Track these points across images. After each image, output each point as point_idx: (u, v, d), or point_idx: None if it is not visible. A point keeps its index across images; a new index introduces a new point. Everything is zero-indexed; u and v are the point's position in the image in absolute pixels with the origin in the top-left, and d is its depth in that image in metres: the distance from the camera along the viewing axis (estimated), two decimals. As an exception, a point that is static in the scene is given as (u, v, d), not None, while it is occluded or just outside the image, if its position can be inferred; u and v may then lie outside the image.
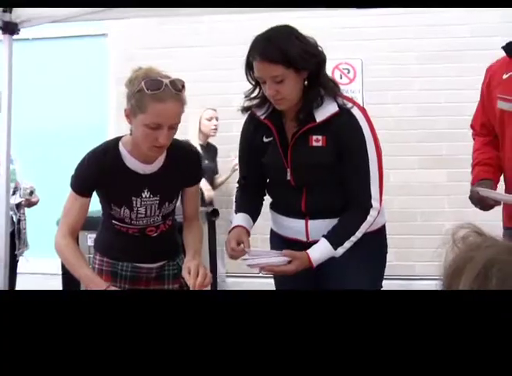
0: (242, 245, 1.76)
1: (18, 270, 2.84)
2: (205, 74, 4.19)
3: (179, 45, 4.30)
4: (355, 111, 1.73)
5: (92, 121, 4.54)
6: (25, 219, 2.72)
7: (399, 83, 4.11)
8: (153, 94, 1.56)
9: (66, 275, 2.34)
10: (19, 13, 2.42)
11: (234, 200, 1.96)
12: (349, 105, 1.73)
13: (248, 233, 1.84)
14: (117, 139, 1.77)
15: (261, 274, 3.74)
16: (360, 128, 1.71)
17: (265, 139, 1.82)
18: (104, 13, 2.40)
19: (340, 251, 1.72)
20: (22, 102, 4.21)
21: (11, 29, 2.45)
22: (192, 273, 1.65)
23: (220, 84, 4.15)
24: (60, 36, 4.48)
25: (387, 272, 1.91)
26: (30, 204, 2.74)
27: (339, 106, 1.72)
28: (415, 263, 4.01)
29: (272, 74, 1.65)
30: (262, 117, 1.81)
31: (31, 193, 2.73)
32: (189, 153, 1.86)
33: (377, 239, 1.85)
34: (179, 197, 1.87)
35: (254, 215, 1.92)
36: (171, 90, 1.58)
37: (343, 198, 1.77)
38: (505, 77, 1.89)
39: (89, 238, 2.71)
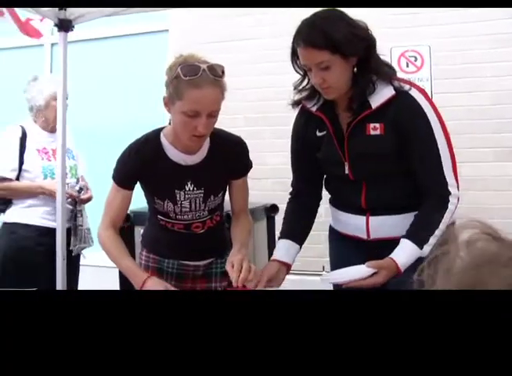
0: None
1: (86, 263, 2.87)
2: (267, 66, 4.11)
3: (240, 38, 4.24)
4: (414, 93, 1.59)
5: (152, 119, 4.57)
6: (82, 216, 2.74)
7: (471, 70, 3.85)
8: (190, 80, 1.50)
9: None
10: (73, 10, 2.43)
11: (284, 215, 1.85)
12: (406, 87, 1.60)
13: (288, 269, 1.76)
14: (159, 130, 1.73)
15: (324, 272, 3.65)
16: (422, 111, 1.57)
17: (319, 133, 1.72)
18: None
19: (427, 249, 1.55)
20: (85, 100, 4.30)
21: (66, 26, 2.47)
22: (236, 267, 1.57)
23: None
24: (122, 34, 4.54)
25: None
26: (81, 201, 2.76)
27: (395, 89, 1.59)
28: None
29: (317, 61, 1.55)
30: (314, 110, 1.71)
31: (80, 190, 2.74)
32: (235, 144, 1.78)
33: None
34: (226, 191, 1.81)
35: (302, 235, 1.81)
36: (208, 76, 1.51)
37: (406, 192, 1.65)
38: None
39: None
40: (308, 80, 1.67)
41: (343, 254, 1.80)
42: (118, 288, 2.61)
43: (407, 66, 3.92)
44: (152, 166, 1.69)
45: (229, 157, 1.73)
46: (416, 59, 4.00)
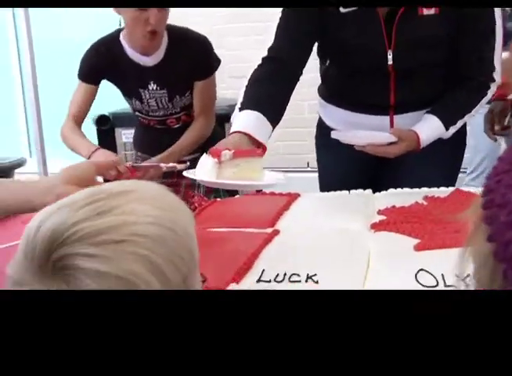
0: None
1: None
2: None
3: None
4: None
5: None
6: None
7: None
8: None
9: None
10: None
11: (244, 87, 1.33)
12: None
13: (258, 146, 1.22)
14: (118, 31, 1.70)
15: (308, 168, 3.68)
16: None
17: (343, 10, 1.34)
18: None
19: (451, 132, 1.41)
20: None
21: None
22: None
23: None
24: None
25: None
26: None
27: None
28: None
29: None
30: None
31: None
32: (196, 42, 1.69)
33: (459, 131, 1.48)
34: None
35: (277, 111, 1.33)
36: None
37: (439, 86, 1.45)
38: None
39: (123, 134, 2.73)
40: None
41: (342, 163, 1.58)
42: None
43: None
44: (113, 64, 1.68)
45: (190, 56, 1.67)
46: None
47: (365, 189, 1.43)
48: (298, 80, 1.39)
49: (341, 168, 1.60)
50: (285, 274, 0.91)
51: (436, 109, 1.41)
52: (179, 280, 0.49)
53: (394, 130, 1.41)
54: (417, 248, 1.00)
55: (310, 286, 0.87)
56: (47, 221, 0.47)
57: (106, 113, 2.78)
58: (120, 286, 0.45)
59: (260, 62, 1.36)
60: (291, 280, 0.90)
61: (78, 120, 1.73)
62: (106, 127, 2.75)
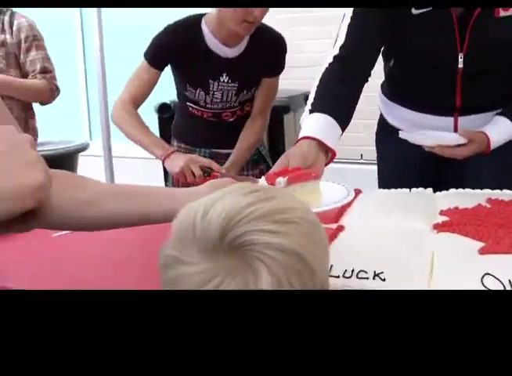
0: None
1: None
2: None
3: None
4: None
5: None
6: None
7: None
8: None
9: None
10: None
11: (317, 84, 1.30)
12: None
13: (327, 154, 1.19)
14: (200, 15, 1.66)
15: (362, 160, 3.67)
16: None
17: (415, 11, 1.32)
18: None
19: None
20: None
21: None
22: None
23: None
24: None
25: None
26: None
27: None
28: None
29: None
30: None
31: None
32: (276, 40, 1.72)
33: None
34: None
35: (347, 113, 1.28)
36: None
37: (505, 90, 1.44)
38: None
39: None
40: None
41: (404, 161, 1.59)
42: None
43: None
44: (188, 50, 1.63)
45: (268, 53, 1.69)
46: None
47: (425, 188, 1.43)
48: (367, 80, 1.37)
49: (403, 165, 1.62)
50: (353, 270, 0.95)
51: (507, 111, 1.40)
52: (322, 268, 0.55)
53: (463, 132, 1.41)
54: (482, 252, 1.02)
55: (377, 283, 0.91)
56: (215, 205, 0.53)
57: (168, 102, 2.86)
58: (291, 260, 0.51)
59: (331, 60, 1.33)
60: (359, 276, 0.93)
61: (137, 103, 1.66)
62: (167, 115, 2.82)
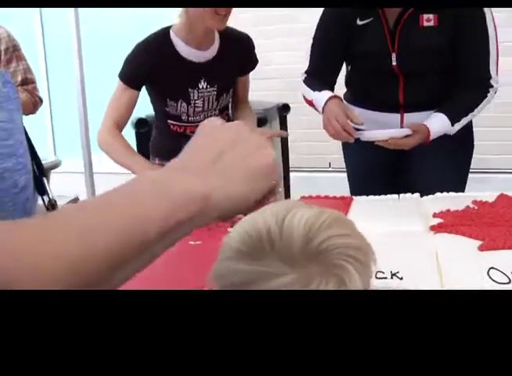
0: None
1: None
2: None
3: None
4: None
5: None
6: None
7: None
8: None
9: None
10: None
11: (303, 90, 1.75)
12: None
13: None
14: (167, 28, 1.69)
15: (330, 168, 3.80)
16: None
17: (360, 22, 1.65)
18: None
19: (456, 128, 1.63)
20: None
21: None
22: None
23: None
24: None
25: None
26: None
27: None
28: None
29: None
30: None
31: None
32: (244, 40, 1.80)
33: (465, 132, 1.73)
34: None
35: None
36: None
37: (443, 90, 1.68)
38: None
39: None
40: None
41: (367, 157, 1.83)
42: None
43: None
44: (162, 64, 1.64)
45: (240, 53, 1.76)
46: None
47: (388, 180, 1.80)
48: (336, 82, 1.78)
49: (366, 164, 1.86)
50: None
51: (443, 107, 1.64)
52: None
53: (409, 124, 1.63)
54: (481, 249, 1.12)
55: (395, 282, 0.99)
56: (289, 215, 0.58)
57: (144, 117, 2.88)
58: (366, 258, 0.59)
59: (303, 77, 1.77)
60: (377, 276, 1.01)
61: (121, 126, 1.68)
62: (145, 130, 2.85)
